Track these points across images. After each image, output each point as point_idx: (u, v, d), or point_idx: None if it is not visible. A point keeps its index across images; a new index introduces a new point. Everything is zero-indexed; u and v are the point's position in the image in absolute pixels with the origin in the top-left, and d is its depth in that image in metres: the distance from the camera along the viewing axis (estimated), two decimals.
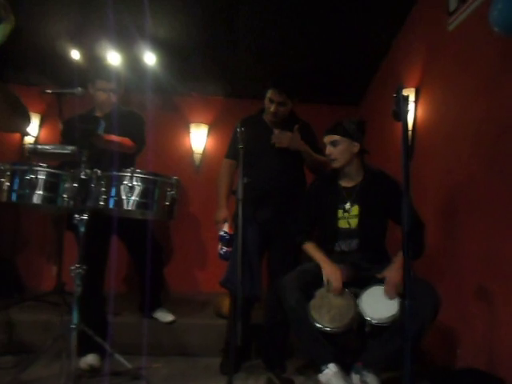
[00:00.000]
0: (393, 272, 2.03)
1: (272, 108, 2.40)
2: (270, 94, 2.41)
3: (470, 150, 2.28)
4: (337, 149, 2.20)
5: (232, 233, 2.39)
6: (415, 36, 3.01)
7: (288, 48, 3.42)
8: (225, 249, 2.39)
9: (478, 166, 2.20)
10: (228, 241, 2.38)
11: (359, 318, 2.01)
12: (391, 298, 1.99)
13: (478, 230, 2.18)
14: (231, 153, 2.58)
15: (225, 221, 2.45)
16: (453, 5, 2.46)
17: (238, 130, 2.05)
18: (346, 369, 2.00)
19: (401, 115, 1.15)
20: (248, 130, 2.27)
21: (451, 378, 1.89)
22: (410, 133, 2.95)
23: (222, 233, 2.42)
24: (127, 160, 2.37)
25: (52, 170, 1.95)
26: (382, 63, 3.58)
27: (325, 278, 2.11)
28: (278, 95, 2.38)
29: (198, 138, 4.04)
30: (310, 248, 2.28)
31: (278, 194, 2.42)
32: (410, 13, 3.06)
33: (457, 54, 2.44)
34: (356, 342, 2.18)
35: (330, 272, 2.12)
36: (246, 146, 2.43)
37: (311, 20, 3.14)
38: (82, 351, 2.14)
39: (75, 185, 1.95)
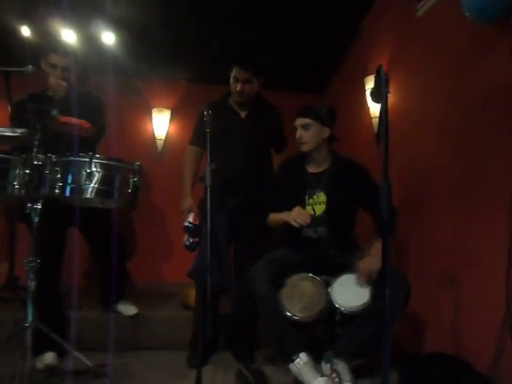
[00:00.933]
0: (366, 260, 2.02)
1: (238, 87, 2.33)
2: (234, 72, 2.34)
3: (437, 137, 2.30)
4: (308, 132, 2.17)
5: (197, 223, 2.31)
6: (382, 21, 3.00)
7: (252, 32, 3.32)
8: (191, 239, 2.31)
9: (445, 152, 2.22)
10: (194, 231, 2.30)
11: (330, 307, 1.99)
12: (362, 285, 1.98)
13: (445, 217, 2.20)
14: (196, 139, 2.49)
15: (190, 210, 2.36)
16: None
17: (205, 112, 1.96)
18: (316, 358, 1.99)
19: (382, 96, 1.11)
20: (214, 116, 2.20)
21: (420, 363, 1.90)
22: (377, 119, 2.95)
23: (187, 223, 2.32)
24: (87, 146, 2.20)
25: (0, 155, 1.78)
26: (349, 49, 3.56)
27: (291, 220, 2.04)
28: (243, 73, 2.32)
29: (161, 124, 3.90)
30: (272, 216, 2.25)
31: (245, 182, 2.35)
32: None
33: (425, 40, 2.43)
34: (326, 330, 2.16)
35: (292, 213, 2.06)
36: (212, 131, 2.36)
37: (276, 4, 3.05)
38: (39, 350, 2.01)
39: (27, 171, 1.79)
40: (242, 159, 2.35)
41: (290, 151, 2.59)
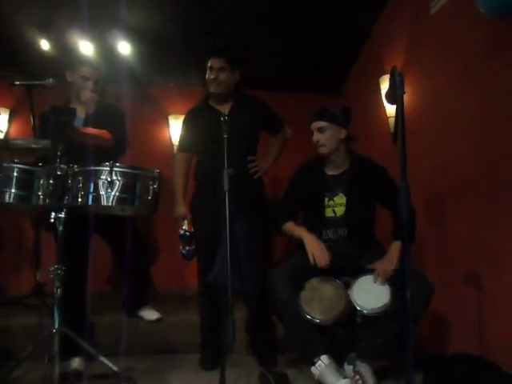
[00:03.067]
0: (383, 261, 2.01)
1: (212, 75, 2.32)
2: (209, 63, 2.34)
3: (457, 135, 2.27)
4: (324, 135, 2.17)
5: (192, 230, 2.31)
6: (396, 20, 2.98)
7: (268, 35, 3.33)
8: (187, 247, 2.30)
9: (465, 150, 2.19)
10: (190, 239, 2.30)
11: (350, 309, 1.98)
12: (382, 286, 1.97)
13: (468, 216, 2.17)
14: (184, 146, 2.50)
15: (184, 218, 2.35)
16: None
17: (222, 119, 1.97)
18: (337, 360, 1.98)
19: (397, 97, 1.10)
20: (196, 120, 2.27)
21: (444, 363, 1.88)
22: (393, 119, 2.93)
23: (182, 232, 2.31)
24: (109, 157, 2.24)
25: (24, 167, 1.84)
26: (363, 49, 3.54)
27: (309, 254, 2.06)
28: (216, 61, 2.32)
29: (177, 130, 3.92)
30: (290, 227, 2.25)
31: (234, 179, 2.29)
32: None
33: (440, 37, 2.41)
34: (347, 332, 2.15)
35: (314, 246, 2.08)
36: (196, 135, 2.39)
37: (290, 6, 3.06)
38: (65, 355, 2.04)
39: (51, 181, 1.84)
40: (229, 157, 2.21)
41: (306, 153, 2.56)
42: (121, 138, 2.39)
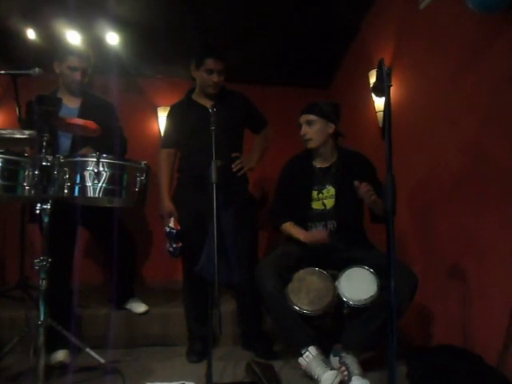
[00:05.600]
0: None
1: (215, 78, 2.30)
2: (208, 64, 2.29)
3: (443, 128, 2.29)
4: (312, 129, 2.18)
5: (179, 228, 2.30)
6: (385, 15, 2.98)
7: (256, 30, 3.32)
8: (174, 245, 2.28)
9: (451, 142, 2.21)
10: (176, 237, 2.28)
11: (338, 300, 2.00)
12: (369, 278, 1.99)
13: (452, 208, 2.20)
14: (167, 141, 2.48)
15: (170, 215, 2.34)
16: None
17: (211, 110, 1.96)
18: (325, 351, 2.00)
19: (384, 89, 1.11)
20: (181, 114, 2.27)
21: (428, 355, 1.91)
22: (381, 113, 2.95)
23: (168, 229, 2.30)
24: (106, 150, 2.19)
25: (9, 157, 1.80)
26: (352, 44, 3.55)
27: (308, 242, 2.12)
28: (217, 63, 2.29)
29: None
30: (287, 227, 2.26)
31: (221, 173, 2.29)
32: None
33: (429, 32, 2.42)
34: (334, 324, 2.18)
35: (311, 235, 2.13)
36: (181, 129, 2.38)
37: (278, 1, 3.05)
38: (51, 347, 2.04)
39: (36, 172, 1.81)
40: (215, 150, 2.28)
41: (296, 148, 2.57)
42: (114, 130, 2.38)
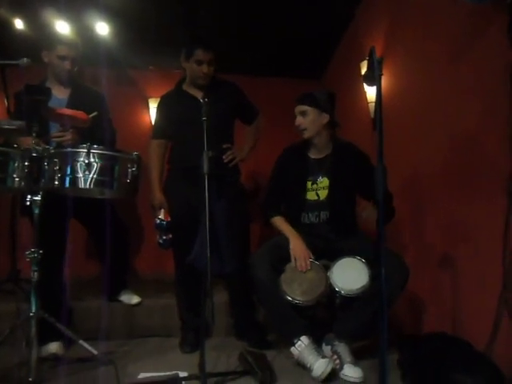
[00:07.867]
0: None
1: (205, 69, 2.30)
2: (198, 55, 2.29)
3: (433, 117, 2.29)
4: (306, 119, 2.18)
5: (169, 220, 2.29)
6: (378, 5, 2.98)
7: (248, 21, 3.29)
8: (164, 237, 2.28)
9: (440, 131, 2.22)
10: (166, 228, 2.28)
11: (330, 290, 2.02)
12: (361, 268, 2.01)
13: (440, 196, 2.22)
14: (158, 132, 2.47)
15: (161, 207, 2.34)
16: None
17: (202, 101, 1.94)
18: (317, 341, 2.02)
19: (375, 78, 1.11)
20: (172, 106, 2.26)
21: (419, 342, 1.94)
22: (373, 105, 2.95)
23: (158, 221, 2.29)
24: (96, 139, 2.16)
25: None
26: (345, 35, 3.54)
27: (292, 256, 2.10)
28: (207, 54, 2.29)
29: None
30: (279, 221, 2.26)
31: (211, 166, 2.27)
32: None
33: (421, 21, 2.42)
34: (326, 313, 2.20)
35: (298, 250, 2.11)
36: (172, 119, 2.37)
37: None
38: (43, 340, 2.03)
39: (26, 163, 1.79)
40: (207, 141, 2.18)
41: (287, 139, 2.57)
42: (106, 129, 2.36)
